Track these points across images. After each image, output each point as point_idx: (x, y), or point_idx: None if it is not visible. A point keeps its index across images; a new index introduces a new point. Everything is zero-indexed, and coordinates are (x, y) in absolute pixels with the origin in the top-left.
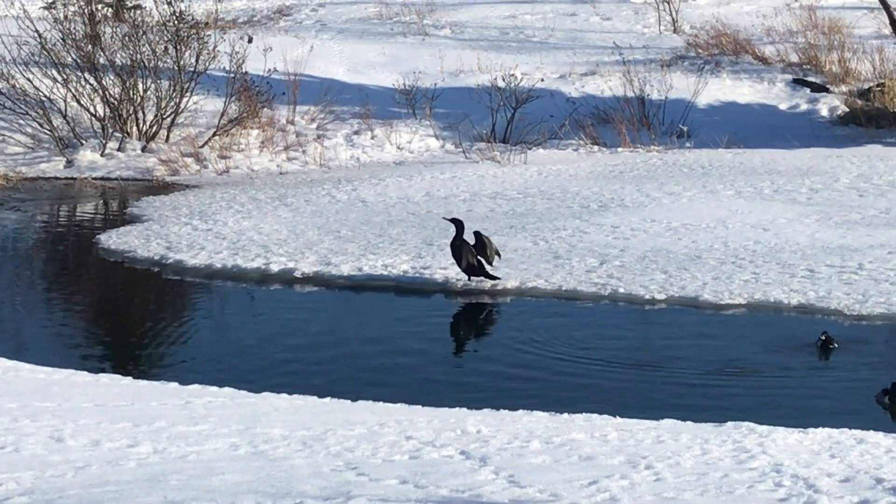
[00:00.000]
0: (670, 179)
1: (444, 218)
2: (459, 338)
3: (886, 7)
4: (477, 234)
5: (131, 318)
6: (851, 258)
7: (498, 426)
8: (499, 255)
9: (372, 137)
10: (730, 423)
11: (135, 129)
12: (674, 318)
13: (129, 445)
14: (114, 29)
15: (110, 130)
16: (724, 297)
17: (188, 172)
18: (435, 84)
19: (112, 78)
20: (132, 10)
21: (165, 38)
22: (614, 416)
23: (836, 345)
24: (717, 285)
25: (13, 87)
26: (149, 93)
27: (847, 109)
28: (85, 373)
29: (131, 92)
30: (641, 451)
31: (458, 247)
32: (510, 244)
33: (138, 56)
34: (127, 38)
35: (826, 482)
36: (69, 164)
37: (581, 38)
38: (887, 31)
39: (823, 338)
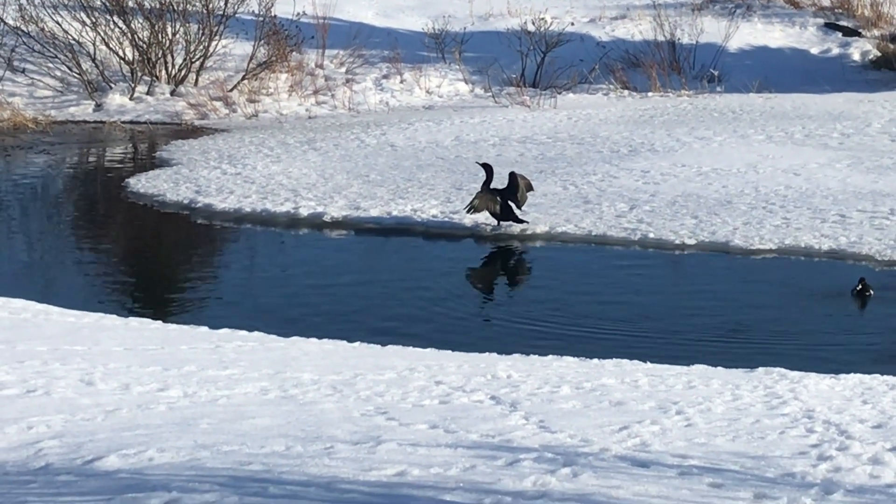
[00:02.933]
0: (701, 124)
1: (476, 162)
2: (489, 283)
3: None
4: (511, 174)
5: (161, 262)
6: (883, 203)
7: (528, 371)
8: (531, 189)
9: (401, 81)
10: (761, 369)
11: (164, 72)
12: (704, 262)
13: (159, 389)
14: None
15: (139, 74)
16: (754, 243)
17: (217, 116)
18: (464, 28)
19: (141, 21)
20: None
21: None
22: (644, 362)
23: (873, 291)
24: (747, 230)
25: (42, 30)
26: (178, 36)
27: (879, 54)
28: (114, 316)
29: (160, 35)
30: (672, 397)
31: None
32: (540, 188)
33: None
34: None
35: (858, 428)
36: (98, 107)
37: None
38: None
39: (860, 286)
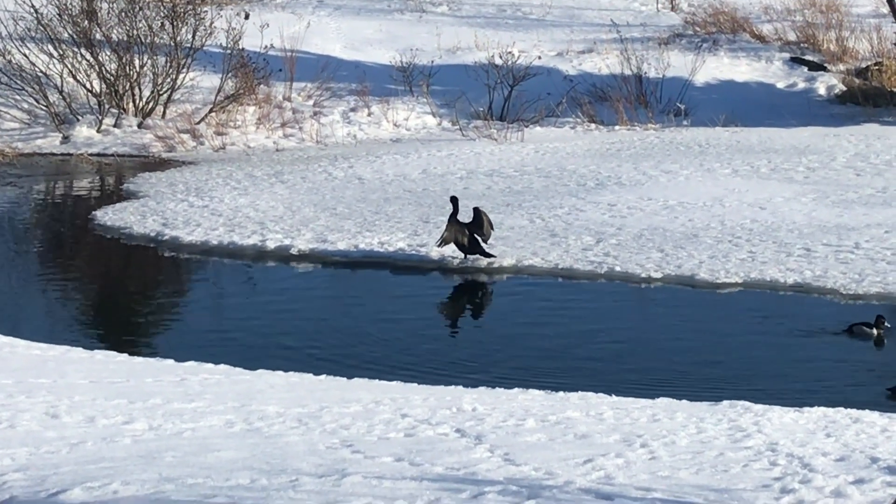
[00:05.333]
0: (667, 157)
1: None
2: (455, 316)
3: None
4: (475, 210)
5: (127, 295)
6: (848, 237)
7: (493, 404)
8: (492, 228)
9: (369, 114)
10: (725, 402)
11: (131, 105)
12: (670, 296)
13: (124, 422)
14: (110, 4)
15: (106, 106)
16: (720, 276)
17: (184, 149)
18: (432, 61)
19: (108, 54)
20: None
21: (162, 14)
22: (609, 395)
23: (888, 324)
24: (713, 264)
25: (9, 62)
26: (145, 69)
27: (844, 88)
28: (80, 349)
29: (128, 68)
30: (637, 430)
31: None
32: (507, 222)
33: (135, 32)
34: (123, 13)
35: (821, 461)
36: (65, 140)
37: (578, 16)
38: (885, 9)
39: (879, 322)
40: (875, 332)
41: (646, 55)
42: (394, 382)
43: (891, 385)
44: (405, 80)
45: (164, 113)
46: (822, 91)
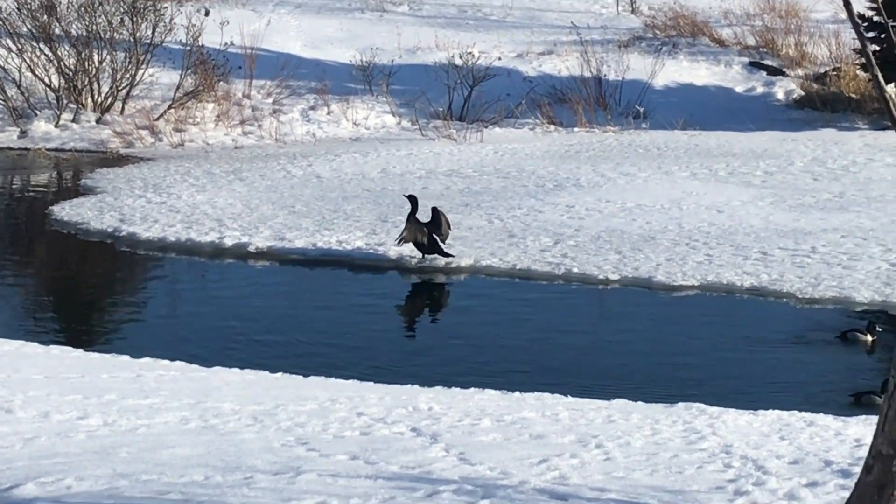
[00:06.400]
0: (626, 160)
1: (402, 195)
2: (412, 315)
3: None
4: (434, 209)
5: (83, 291)
6: (804, 241)
7: (449, 404)
8: (450, 228)
9: (328, 113)
10: (680, 404)
11: (90, 100)
12: (627, 298)
13: (78, 417)
14: None
15: (65, 101)
16: (677, 279)
17: (143, 145)
18: (392, 61)
19: (67, 49)
20: None
21: (122, 10)
22: (565, 396)
23: (880, 328)
24: (670, 266)
25: None
26: (104, 64)
27: (803, 93)
28: (35, 344)
29: (86, 63)
30: (592, 431)
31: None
32: (465, 222)
33: (94, 27)
34: (83, 8)
35: (775, 464)
36: (23, 134)
37: (539, 18)
38: (843, 14)
39: (870, 327)
40: (869, 338)
41: (605, 57)
42: (350, 381)
43: (854, 392)
44: (365, 79)
45: (123, 109)
46: (780, 96)
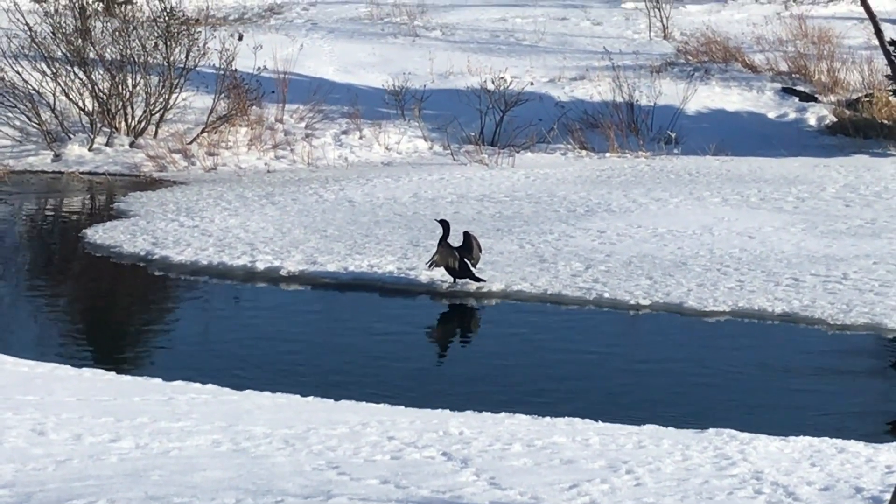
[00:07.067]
0: (657, 185)
1: (434, 220)
2: (443, 339)
3: (872, 16)
4: (465, 234)
5: (116, 314)
6: (836, 268)
7: (480, 428)
8: (481, 252)
9: (360, 137)
10: (711, 430)
11: (123, 124)
12: (658, 324)
13: (110, 440)
14: (104, 23)
15: (98, 125)
16: (708, 304)
17: (176, 169)
18: (424, 85)
19: (101, 73)
20: (123, 5)
21: (155, 34)
22: (596, 421)
23: None
24: (701, 292)
25: (2, 79)
26: (138, 88)
27: (835, 119)
28: (68, 367)
29: (120, 87)
30: (622, 456)
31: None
32: (496, 247)
33: (128, 51)
34: (117, 32)
35: (806, 490)
36: (57, 158)
37: (571, 43)
38: (876, 41)
39: None
40: None
41: (637, 83)
42: (381, 405)
43: (892, 420)
44: (397, 103)
45: (156, 132)
46: (812, 122)
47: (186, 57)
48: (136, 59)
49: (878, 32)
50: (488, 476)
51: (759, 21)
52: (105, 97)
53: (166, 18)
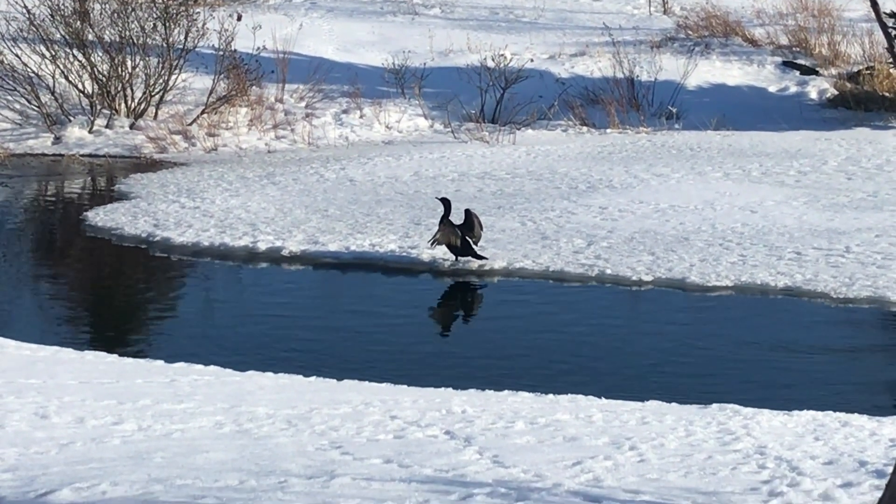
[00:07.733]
0: (659, 161)
1: (435, 198)
2: (446, 318)
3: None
4: (467, 212)
5: (117, 296)
6: (839, 241)
7: (483, 406)
8: (482, 230)
9: (361, 116)
10: (714, 405)
11: (123, 106)
12: (660, 299)
13: (113, 423)
14: (102, 5)
15: (98, 107)
16: (710, 280)
17: (176, 150)
18: (424, 64)
19: (100, 54)
20: None
21: (154, 15)
22: (599, 398)
23: None
24: (703, 267)
25: (1, 63)
26: (137, 70)
27: (836, 92)
28: (70, 350)
29: (120, 69)
30: (626, 433)
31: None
32: (498, 224)
33: (127, 33)
34: (116, 14)
35: (809, 464)
36: (57, 140)
37: (571, 19)
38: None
39: None
40: None
41: (638, 58)
42: (383, 384)
43: None
44: (397, 82)
45: (156, 114)
46: (813, 95)
47: (185, 38)
48: (135, 41)
49: (874, 5)
50: (491, 454)
51: None
52: (104, 79)
53: None
